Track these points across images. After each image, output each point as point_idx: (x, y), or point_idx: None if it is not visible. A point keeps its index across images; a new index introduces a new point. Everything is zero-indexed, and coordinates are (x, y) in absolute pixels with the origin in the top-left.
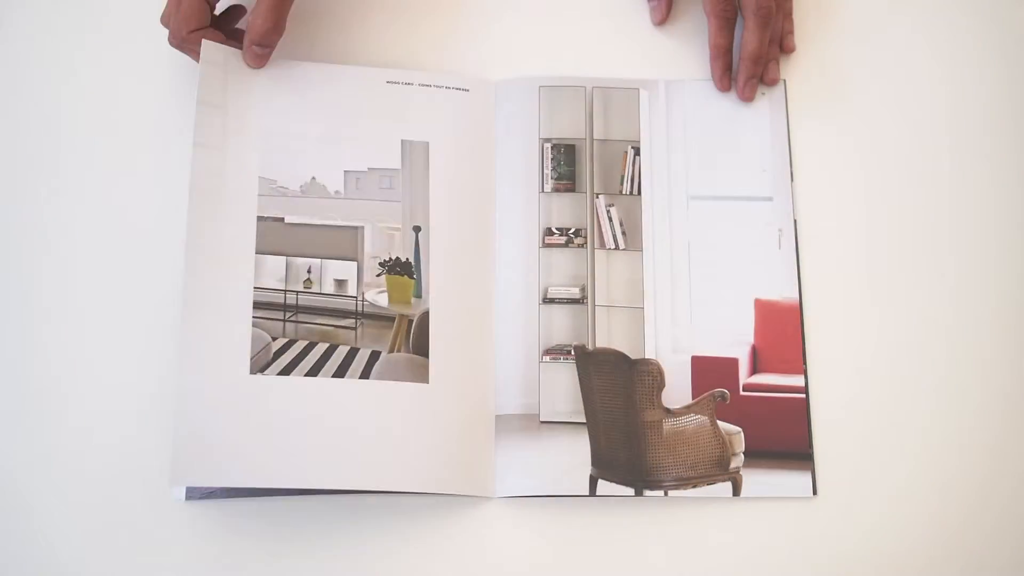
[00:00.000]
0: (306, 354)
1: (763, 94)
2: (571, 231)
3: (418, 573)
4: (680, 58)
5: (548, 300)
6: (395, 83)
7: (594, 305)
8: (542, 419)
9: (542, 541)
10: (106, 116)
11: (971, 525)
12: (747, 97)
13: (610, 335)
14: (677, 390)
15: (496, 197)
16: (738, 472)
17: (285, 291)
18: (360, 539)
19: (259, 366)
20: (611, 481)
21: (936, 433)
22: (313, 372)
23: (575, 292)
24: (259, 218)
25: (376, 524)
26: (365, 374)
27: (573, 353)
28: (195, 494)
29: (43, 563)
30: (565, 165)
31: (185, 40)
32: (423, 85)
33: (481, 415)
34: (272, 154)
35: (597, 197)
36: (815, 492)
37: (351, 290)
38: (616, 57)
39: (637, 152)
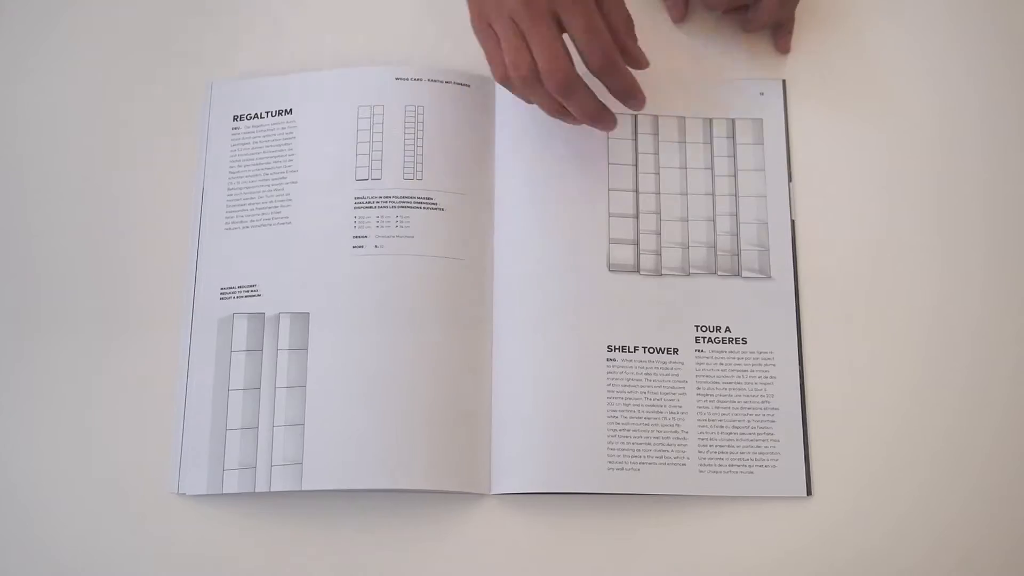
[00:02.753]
0: None
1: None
2: None
3: (413, 572)
4: (692, 57)
5: None
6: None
7: None
8: None
9: (539, 539)
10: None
11: (970, 525)
12: (783, 48)
13: None
14: None
15: (494, 191)
16: None
17: None
18: (354, 538)
19: None
20: None
21: (934, 432)
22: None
23: None
24: None
25: (370, 523)
26: None
27: None
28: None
29: (43, 562)
30: None
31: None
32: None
33: (477, 411)
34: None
35: None
36: (809, 492)
37: None
38: None
39: None
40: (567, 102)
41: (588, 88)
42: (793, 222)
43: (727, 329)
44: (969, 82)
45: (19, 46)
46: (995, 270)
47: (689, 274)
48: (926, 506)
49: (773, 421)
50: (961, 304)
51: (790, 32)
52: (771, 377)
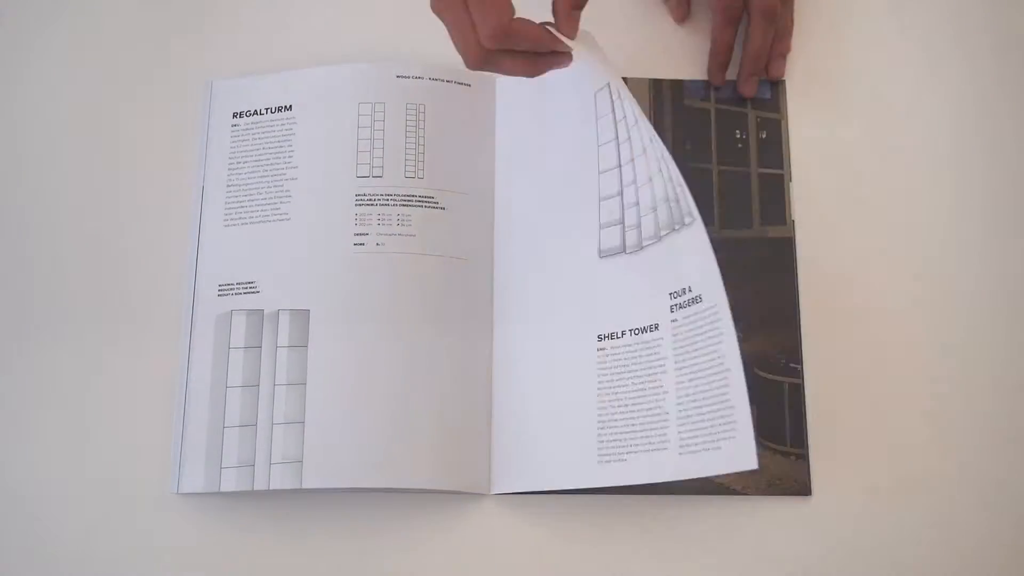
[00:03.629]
0: None
1: None
2: None
3: (413, 572)
4: (693, 57)
5: None
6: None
7: None
8: None
9: (539, 539)
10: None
11: (970, 525)
12: (748, 92)
13: None
14: None
15: (495, 191)
16: None
17: None
18: (354, 537)
19: None
20: None
21: (936, 430)
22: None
23: None
24: None
25: (370, 522)
26: None
27: None
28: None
29: (40, 560)
30: None
31: (507, 33)
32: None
33: (477, 410)
34: None
35: None
36: (809, 491)
37: None
38: (625, 55)
39: None
40: (509, 44)
41: (523, 24)
42: (793, 222)
43: (688, 290)
44: (968, 82)
45: (19, 46)
46: (995, 269)
47: (660, 238)
48: (926, 506)
49: (727, 385)
50: (961, 303)
51: (790, 34)
52: (719, 333)
